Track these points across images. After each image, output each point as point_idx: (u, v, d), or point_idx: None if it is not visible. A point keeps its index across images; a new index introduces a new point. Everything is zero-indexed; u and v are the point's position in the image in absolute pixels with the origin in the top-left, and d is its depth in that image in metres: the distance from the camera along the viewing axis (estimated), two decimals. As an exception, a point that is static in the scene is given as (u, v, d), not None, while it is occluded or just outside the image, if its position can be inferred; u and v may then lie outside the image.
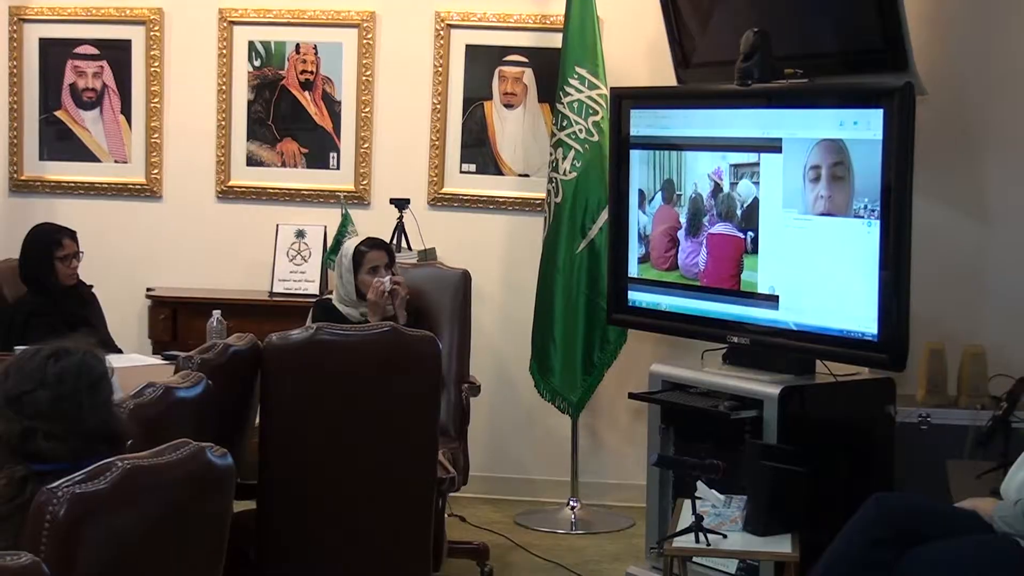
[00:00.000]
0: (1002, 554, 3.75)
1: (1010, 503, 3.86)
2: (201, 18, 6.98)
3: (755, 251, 5.20)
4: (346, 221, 6.52)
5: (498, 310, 6.77)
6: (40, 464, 2.69)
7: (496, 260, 6.80)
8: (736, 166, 5.30)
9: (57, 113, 7.12)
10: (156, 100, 7.03)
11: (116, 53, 7.05)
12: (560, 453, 6.57)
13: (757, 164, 5.20)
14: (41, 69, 7.09)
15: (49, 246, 5.94)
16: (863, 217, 4.74)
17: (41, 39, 7.07)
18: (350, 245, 5.58)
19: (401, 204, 6.60)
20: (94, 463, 2.47)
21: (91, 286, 6.15)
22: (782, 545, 4.30)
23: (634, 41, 6.46)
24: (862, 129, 4.76)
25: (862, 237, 4.75)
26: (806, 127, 5.03)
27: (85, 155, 7.13)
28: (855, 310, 4.84)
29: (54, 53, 7.08)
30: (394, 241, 6.44)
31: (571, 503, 6.48)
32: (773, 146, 5.11)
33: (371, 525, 4.34)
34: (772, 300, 5.15)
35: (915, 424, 5.20)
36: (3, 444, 2.75)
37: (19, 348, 4.11)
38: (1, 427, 2.75)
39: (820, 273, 5.00)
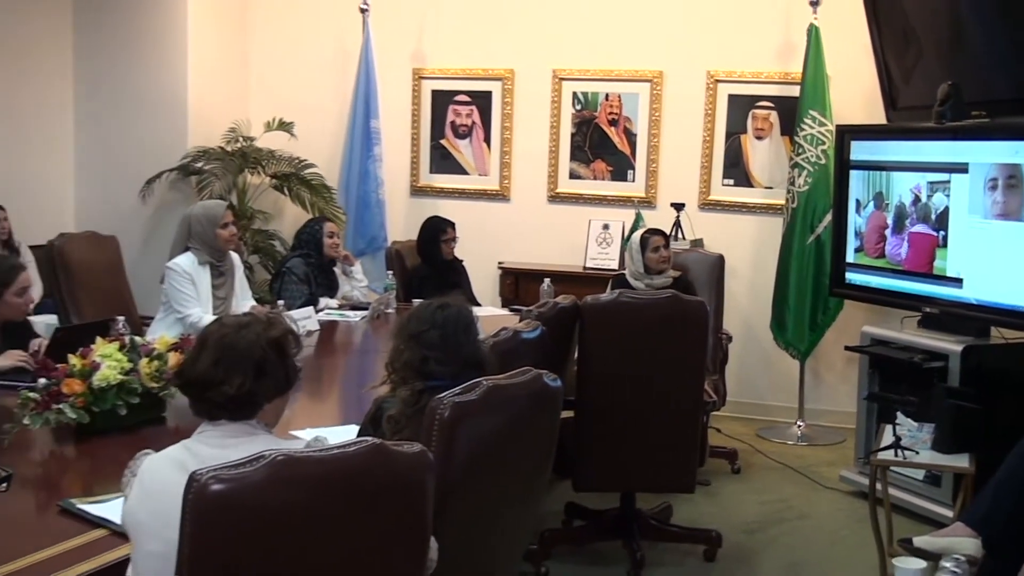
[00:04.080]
0: None
1: None
2: (540, 76, 7.10)
3: (945, 245, 5.10)
4: (639, 218, 6.62)
5: (748, 284, 6.72)
6: (432, 381, 2.73)
7: (747, 248, 6.75)
8: (932, 183, 5.19)
9: (442, 141, 7.33)
10: (508, 132, 7.19)
11: (482, 100, 7.22)
12: (791, 387, 6.50)
13: (948, 182, 5.08)
14: (432, 111, 7.32)
15: (437, 232, 6.19)
16: (1033, 222, 4.61)
17: (433, 90, 7.30)
18: (636, 235, 5.60)
19: (679, 207, 6.64)
20: (467, 382, 2.50)
21: (462, 260, 6.34)
22: (961, 461, 4.18)
23: (854, 90, 6.30)
24: (1033, 156, 4.62)
25: (1031, 236, 4.62)
26: (988, 154, 4.89)
27: (459, 170, 7.33)
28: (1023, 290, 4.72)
29: (440, 100, 7.30)
30: (673, 233, 6.43)
31: (798, 423, 6.43)
32: (961, 168, 4.99)
33: (656, 433, 4.29)
34: (957, 282, 5.04)
35: (1067, 376, 5.00)
36: (409, 366, 2.80)
37: (415, 301, 4.18)
38: (407, 355, 2.81)
39: (996, 262, 4.86)
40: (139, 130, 7.14)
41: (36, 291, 5.69)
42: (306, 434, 3.08)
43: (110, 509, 2.44)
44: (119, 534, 2.32)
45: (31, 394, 3.11)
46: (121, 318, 3.88)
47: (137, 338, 3.50)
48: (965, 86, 5.06)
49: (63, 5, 7.20)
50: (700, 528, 4.65)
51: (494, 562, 2.73)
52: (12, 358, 3.83)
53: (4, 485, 1.55)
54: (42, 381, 3.17)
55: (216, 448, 2.13)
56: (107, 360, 3.22)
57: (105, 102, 7.22)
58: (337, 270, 5.87)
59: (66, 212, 7.28)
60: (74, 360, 3.21)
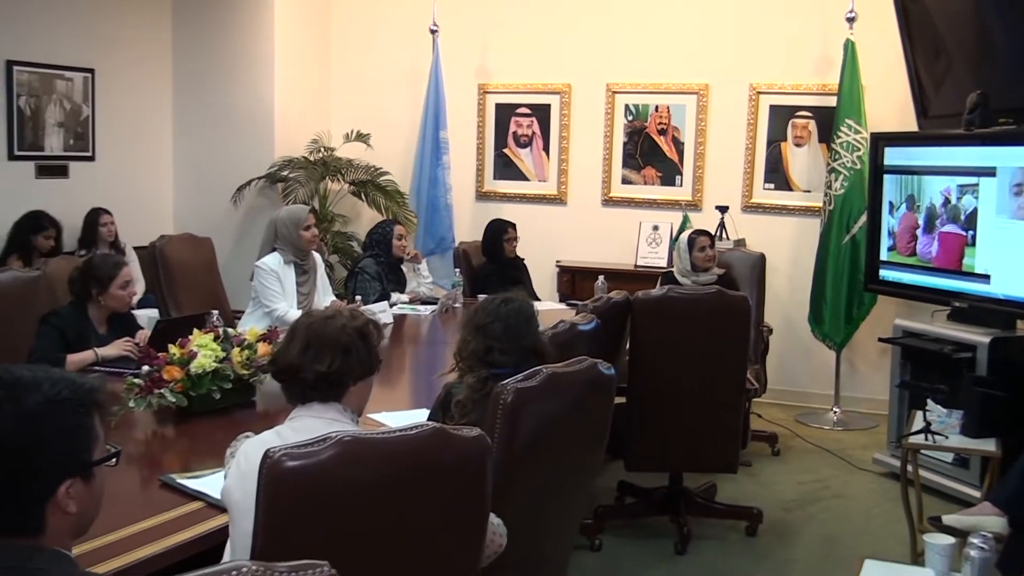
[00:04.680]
0: None
1: None
2: (593, 89, 7.07)
3: (974, 244, 5.02)
4: (685, 220, 6.60)
5: (787, 281, 6.64)
6: (496, 369, 2.74)
7: (787, 248, 6.67)
8: (961, 186, 5.11)
9: (504, 150, 7.34)
10: (565, 141, 7.18)
11: (541, 112, 7.22)
12: (827, 375, 6.44)
13: (976, 185, 5.00)
14: (496, 123, 7.34)
15: (500, 232, 6.18)
16: (1056, 222, 4.51)
17: (496, 104, 7.32)
18: (684, 235, 5.59)
19: (723, 209, 6.60)
20: (529, 370, 2.49)
21: (523, 259, 6.33)
22: (988, 445, 4.11)
23: (888, 100, 6.21)
24: (1057, 161, 4.52)
25: (1055, 236, 4.53)
26: (1015, 159, 4.80)
27: (520, 176, 7.32)
28: (1047, 286, 4.62)
29: (503, 112, 7.31)
30: (717, 234, 6.41)
31: (834, 409, 6.36)
32: (989, 172, 4.91)
33: (702, 417, 4.30)
34: (985, 278, 4.96)
35: (1090, 366, 4.88)
36: (475, 355, 2.82)
37: (481, 296, 4.23)
38: (473, 345, 2.83)
39: (1022, 260, 4.77)
40: (231, 142, 7.27)
41: (139, 287, 5.83)
42: (381, 417, 3.14)
43: (206, 484, 2.50)
44: (214, 506, 2.37)
45: (135, 380, 3.20)
46: (215, 312, 3.94)
47: (230, 330, 3.58)
48: (993, 95, 4.98)
49: (163, 30, 7.34)
50: (743, 505, 4.64)
51: (553, 535, 2.74)
52: (119, 347, 3.94)
53: (113, 461, 1.61)
54: (145, 368, 3.25)
55: (302, 432, 2.15)
56: (203, 349, 3.30)
57: (201, 118, 7.36)
58: (405, 268, 5.91)
59: (166, 216, 7.43)
60: (173, 349, 3.29)
